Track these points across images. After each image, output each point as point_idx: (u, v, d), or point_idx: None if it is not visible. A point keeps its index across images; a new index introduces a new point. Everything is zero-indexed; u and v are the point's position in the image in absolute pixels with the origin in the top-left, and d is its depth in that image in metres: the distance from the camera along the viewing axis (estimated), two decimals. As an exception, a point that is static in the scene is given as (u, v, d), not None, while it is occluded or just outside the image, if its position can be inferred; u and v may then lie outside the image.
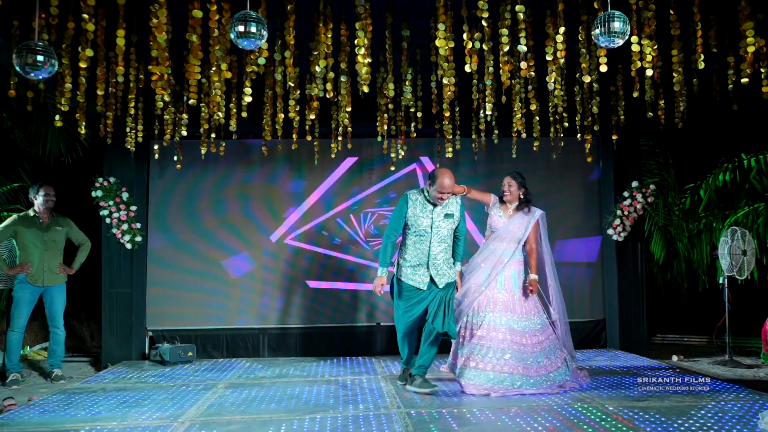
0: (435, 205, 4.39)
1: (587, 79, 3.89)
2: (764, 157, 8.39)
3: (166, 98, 4.12)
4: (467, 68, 3.65)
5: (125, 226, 6.26)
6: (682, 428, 3.34)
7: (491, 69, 4.11)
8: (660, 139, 8.68)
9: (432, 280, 4.39)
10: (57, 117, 4.28)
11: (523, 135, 5.36)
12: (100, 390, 4.73)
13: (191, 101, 4.19)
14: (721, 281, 6.32)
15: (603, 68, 3.56)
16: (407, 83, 4.37)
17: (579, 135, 5.68)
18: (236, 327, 6.62)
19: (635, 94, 4.38)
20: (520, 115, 4.84)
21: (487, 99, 4.38)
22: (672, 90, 4.84)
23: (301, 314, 6.65)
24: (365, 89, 3.73)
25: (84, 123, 4.67)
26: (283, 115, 4.68)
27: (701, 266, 8.71)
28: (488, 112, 4.51)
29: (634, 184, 6.48)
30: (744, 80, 3.81)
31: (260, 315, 6.63)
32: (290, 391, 4.57)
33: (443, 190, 4.26)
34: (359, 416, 3.75)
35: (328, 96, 4.08)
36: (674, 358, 6.43)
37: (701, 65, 3.74)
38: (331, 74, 4.01)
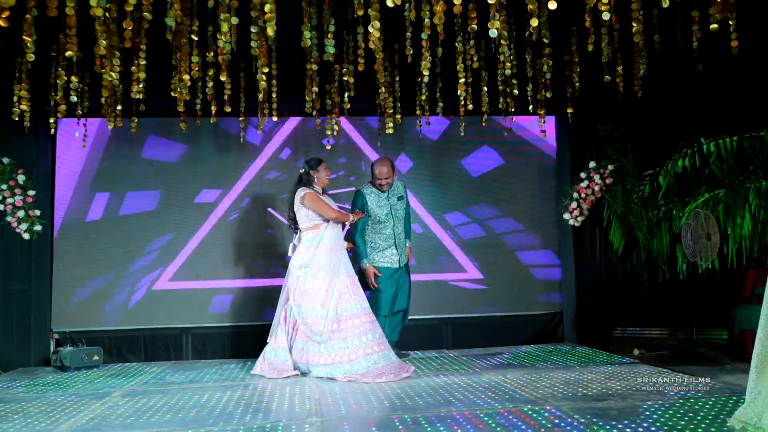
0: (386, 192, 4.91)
1: (534, 22, 3.30)
2: (723, 141, 8.08)
3: (30, 45, 3.37)
4: (389, 2, 3.04)
5: (21, 213, 5.45)
6: (650, 431, 2.81)
7: (426, 21, 3.54)
8: (618, 124, 8.29)
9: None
10: None
11: (470, 106, 4.76)
12: (-32, 403, 3.95)
13: (68, 53, 3.47)
14: (684, 268, 5.89)
15: (552, 5, 3.00)
16: (329, 36, 3.73)
17: (531, 107, 5.13)
18: (155, 327, 5.88)
19: (590, 48, 3.83)
20: (463, 79, 4.26)
21: (423, 56, 3.77)
22: (631, 51, 4.35)
23: (230, 311, 5.95)
24: (270, 32, 3.08)
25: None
26: (188, 76, 3.98)
27: (661, 256, 8.32)
28: (425, 73, 3.89)
29: (592, 164, 6.00)
30: (713, 26, 3.31)
31: (183, 313, 5.90)
32: (197, 398, 3.88)
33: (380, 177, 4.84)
34: (265, 428, 3.10)
35: (226, 41, 3.39)
36: (636, 352, 5.96)
37: (666, 3, 3.21)
38: (235, 19, 3.34)
